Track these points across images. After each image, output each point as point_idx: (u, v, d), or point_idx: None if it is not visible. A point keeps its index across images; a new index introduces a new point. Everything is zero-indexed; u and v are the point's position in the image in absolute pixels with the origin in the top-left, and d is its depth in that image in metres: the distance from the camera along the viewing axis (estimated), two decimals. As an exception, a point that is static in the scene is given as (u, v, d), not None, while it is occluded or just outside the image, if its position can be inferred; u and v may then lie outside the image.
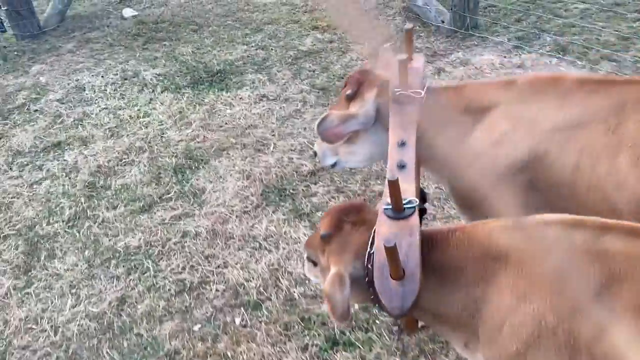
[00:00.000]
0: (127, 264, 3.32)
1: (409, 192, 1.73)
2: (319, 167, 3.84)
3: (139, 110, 4.80)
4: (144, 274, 3.24)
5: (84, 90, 5.24)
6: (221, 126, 4.45)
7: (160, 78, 5.22)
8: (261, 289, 3.05)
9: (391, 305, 1.57)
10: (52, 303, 3.14)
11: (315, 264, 1.91)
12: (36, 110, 5.03)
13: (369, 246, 1.68)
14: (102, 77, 5.41)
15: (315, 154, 2.61)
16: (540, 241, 1.48)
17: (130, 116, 4.72)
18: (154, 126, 4.53)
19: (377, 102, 2.28)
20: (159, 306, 3.02)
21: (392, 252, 1.49)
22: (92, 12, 7.14)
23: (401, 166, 1.90)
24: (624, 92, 1.89)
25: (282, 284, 3.06)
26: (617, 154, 1.84)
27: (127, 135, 4.48)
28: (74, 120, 4.80)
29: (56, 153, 4.42)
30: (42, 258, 3.44)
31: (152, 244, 3.43)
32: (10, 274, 3.38)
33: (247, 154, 4.08)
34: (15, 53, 6.26)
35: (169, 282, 3.16)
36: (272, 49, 5.55)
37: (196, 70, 5.24)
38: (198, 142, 4.28)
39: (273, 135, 4.24)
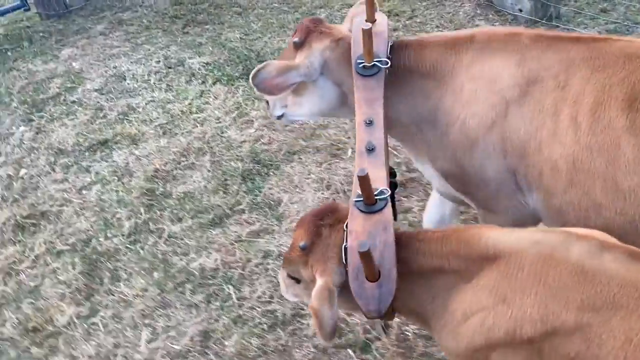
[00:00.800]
0: (205, 290, 2.92)
1: (379, 180, 1.67)
2: (407, 178, 3.43)
3: (190, 104, 4.34)
4: (225, 302, 2.85)
5: (125, 79, 4.76)
6: (286, 125, 4.00)
7: (210, 67, 4.74)
8: (367, 325, 2.66)
9: (368, 309, 1.53)
10: (124, 336, 2.76)
11: (298, 280, 1.78)
12: (74, 102, 4.57)
13: (344, 241, 1.61)
14: (143, 64, 4.93)
15: (267, 103, 2.44)
16: (534, 249, 1.42)
17: (181, 111, 4.27)
18: (211, 124, 4.09)
19: (325, 55, 2.15)
20: (251, 344, 2.64)
21: (366, 256, 1.45)
22: (121, -11, 6.59)
23: (370, 149, 1.80)
24: (574, 49, 1.90)
25: (390, 319, 2.68)
26: (561, 110, 1.84)
27: (182, 133, 4.04)
28: (118, 114, 4.34)
29: (103, 153, 3.98)
30: (105, 280, 3.04)
31: (231, 265, 3.03)
32: (70, 298, 2.98)
33: (322, 159, 3.65)
34: (41, 34, 5.76)
35: (257, 313, 2.77)
36: (328, 36, 5.06)
37: (248, 60, 4.76)
38: (264, 144, 3.84)
39: (348, 137, 3.80)
